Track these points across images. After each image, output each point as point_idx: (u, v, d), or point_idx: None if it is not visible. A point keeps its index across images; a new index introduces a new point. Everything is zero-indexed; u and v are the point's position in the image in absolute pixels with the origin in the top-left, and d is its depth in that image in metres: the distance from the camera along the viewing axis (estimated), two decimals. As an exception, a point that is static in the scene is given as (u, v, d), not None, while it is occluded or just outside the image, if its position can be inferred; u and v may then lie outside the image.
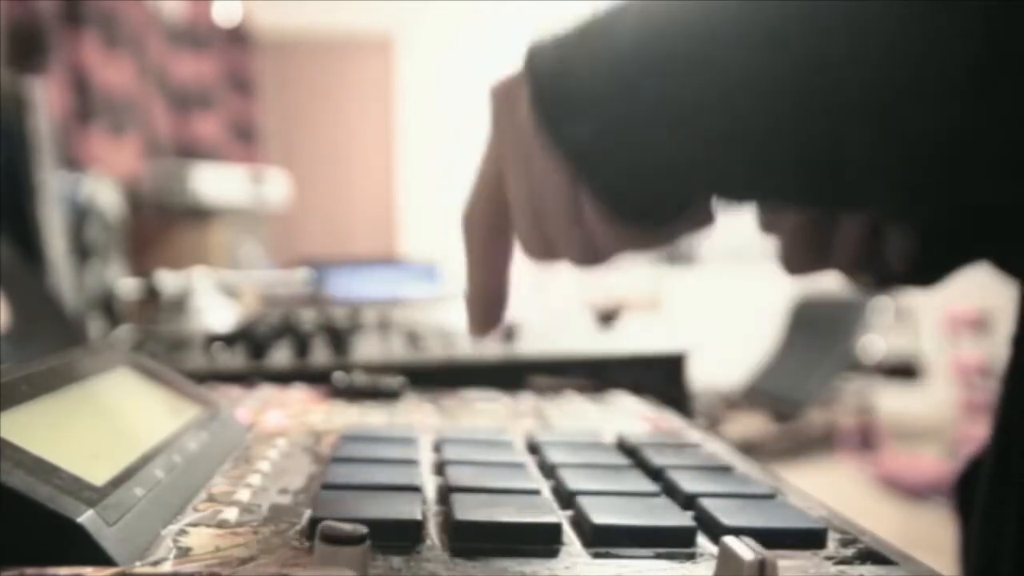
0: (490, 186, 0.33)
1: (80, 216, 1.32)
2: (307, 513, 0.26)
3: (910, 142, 0.23)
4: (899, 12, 0.22)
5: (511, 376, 0.55)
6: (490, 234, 0.34)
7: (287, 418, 0.42)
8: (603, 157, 0.28)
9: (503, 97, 0.31)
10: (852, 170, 0.25)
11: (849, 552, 0.26)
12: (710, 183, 0.28)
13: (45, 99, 1.00)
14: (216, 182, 2.17)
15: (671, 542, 0.26)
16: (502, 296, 0.35)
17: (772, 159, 0.26)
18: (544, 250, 0.32)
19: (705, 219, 0.30)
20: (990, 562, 0.39)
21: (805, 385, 3.52)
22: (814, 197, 0.28)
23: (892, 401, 3.82)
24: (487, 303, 0.35)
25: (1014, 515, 0.37)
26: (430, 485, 0.31)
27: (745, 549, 0.22)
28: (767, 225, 0.38)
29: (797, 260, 0.34)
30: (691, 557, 0.25)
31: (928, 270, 0.34)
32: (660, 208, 0.29)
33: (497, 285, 0.34)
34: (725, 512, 0.28)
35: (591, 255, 0.31)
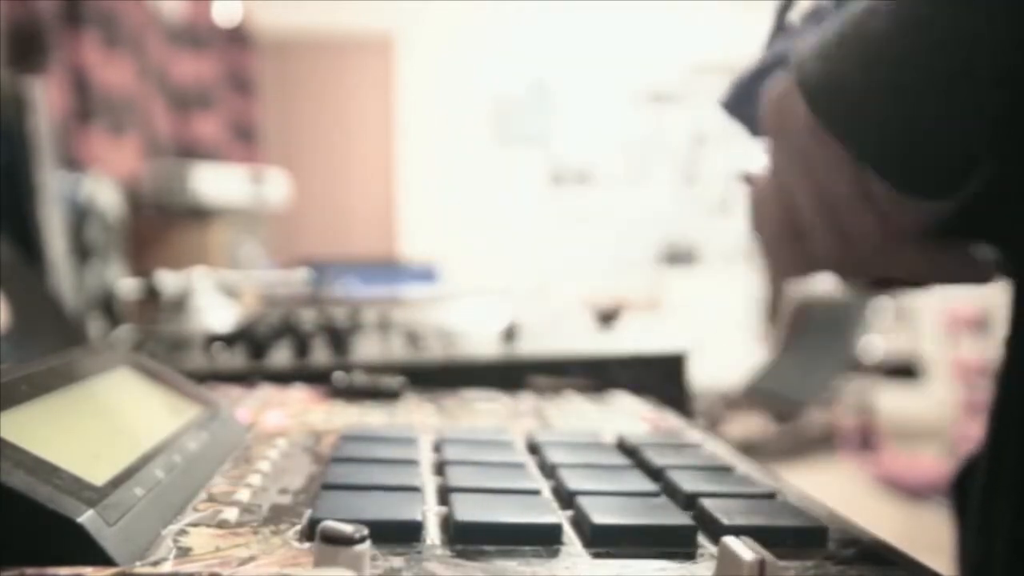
0: (777, 198, 0.36)
1: (80, 216, 1.32)
2: (307, 513, 0.26)
3: None
4: None
5: (511, 376, 0.55)
6: (780, 238, 0.37)
7: (287, 418, 0.42)
8: (878, 135, 0.31)
9: (775, 108, 0.35)
10: None
11: (849, 552, 0.26)
12: (972, 147, 0.31)
13: (45, 99, 1.00)
14: (216, 182, 2.17)
15: (671, 542, 0.26)
16: (791, 277, 0.38)
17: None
18: (839, 249, 0.34)
19: (975, 179, 0.32)
20: (984, 561, 0.39)
21: (805, 385, 3.52)
22: None
23: (892, 401, 3.83)
24: (778, 291, 0.38)
25: (1007, 515, 0.37)
26: (430, 485, 0.31)
27: (745, 549, 0.22)
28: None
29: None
30: (691, 557, 0.25)
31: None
32: (936, 173, 0.32)
33: (787, 278, 0.38)
34: (725, 512, 0.28)
35: (887, 237, 0.33)
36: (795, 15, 0.47)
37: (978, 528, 0.40)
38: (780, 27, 0.47)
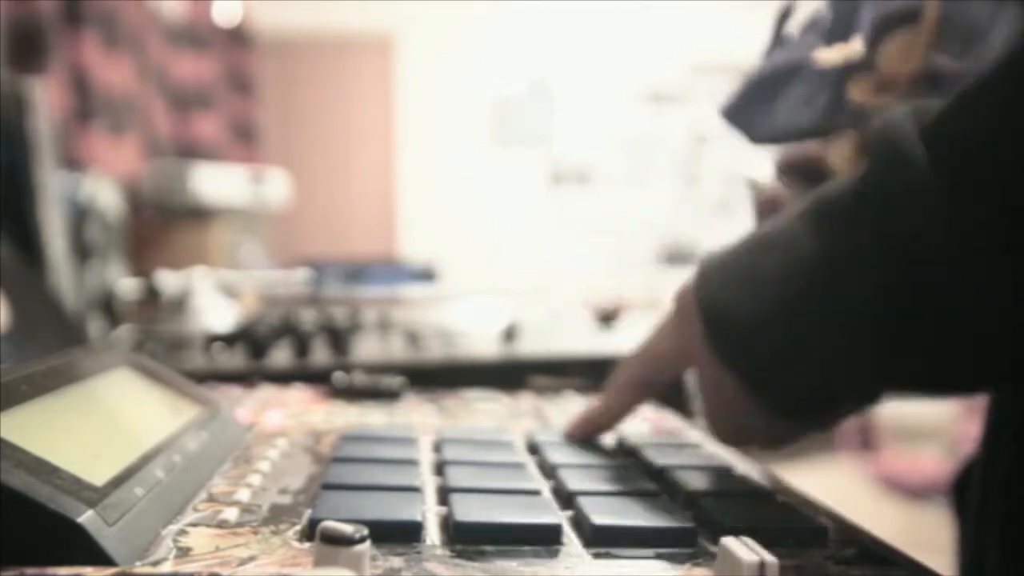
0: (658, 355, 0.39)
1: (80, 216, 1.32)
2: (307, 513, 0.26)
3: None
4: None
5: (511, 376, 0.55)
6: (637, 386, 0.40)
7: (287, 418, 0.42)
8: (763, 372, 0.33)
9: (682, 303, 0.37)
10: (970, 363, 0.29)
11: (849, 552, 0.26)
12: (850, 390, 0.33)
13: (45, 99, 1.00)
14: (216, 182, 2.17)
15: (671, 542, 0.26)
16: (610, 427, 0.40)
17: (910, 367, 0.30)
18: (731, 435, 0.36)
19: (849, 413, 0.34)
20: (981, 562, 0.39)
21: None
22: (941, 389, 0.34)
23: (892, 401, 3.82)
24: (595, 428, 0.40)
25: (1001, 517, 0.37)
26: (430, 485, 0.31)
27: (745, 549, 0.22)
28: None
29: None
30: (691, 557, 0.25)
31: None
32: (812, 409, 0.34)
33: (611, 422, 0.40)
34: (725, 512, 0.28)
35: (771, 440, 0.36)
36: (793, 25, 0.47)
37: (975, 529, 0.40)
38: (779, 37, 0.48)
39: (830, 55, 0.44)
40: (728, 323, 0.33)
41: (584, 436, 0.39)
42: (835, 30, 0.44)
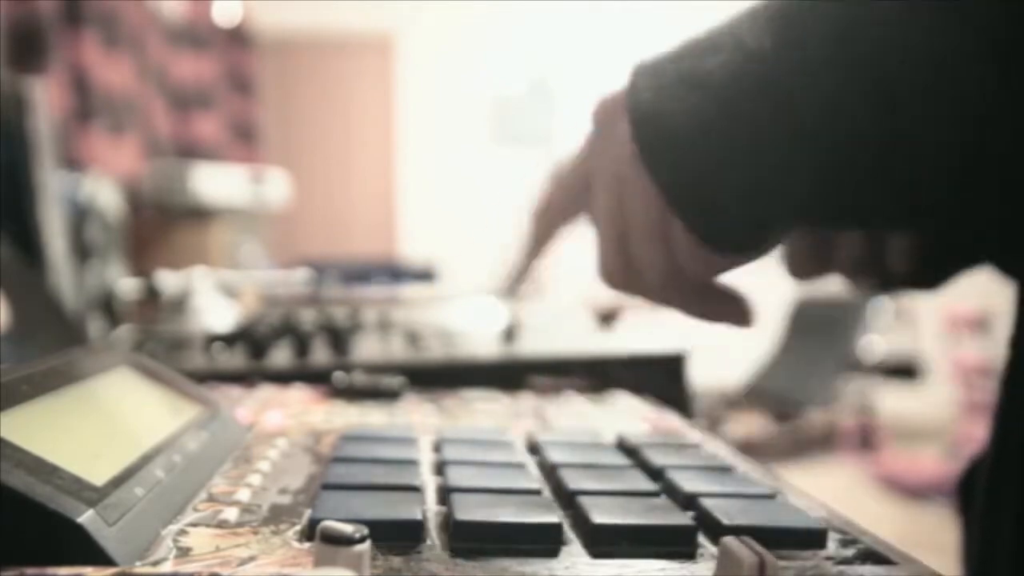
0: (570, 190, 0.35)
1: (80, 216, 1.32)
2: (307, 513, 0.26)
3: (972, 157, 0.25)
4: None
5: (511, 376, 0.55)
6: (553, 231, 0.37)
7: (287, 418, 0.42)
8: (694, 184, 0.29)
9: (604, 115, 0.33)
10: (920, 187, 0.27)
11: (849, 552, 0.26)
12: (789, 210, 0.30)
13: (45, 99, 1.00)
14: (216, 182, 2.17)
15: (671, 542, 0.26)
16: (533, 262, 0.39)
17: (849, 185, 0.27)
18: (622, 271, 0.33)
19: (781, 241, 0.32)
20: (989, 563, 0.39)
21: (805, 385, 3.52)
22: (882, 218, 0.30)
23: (892, 401, 3.82)
24: (523, 264, 0.38)
25: (1011, 516, 0.37)
26: (430, 485, 0.31)
27: (745, 549, 0.22)
28: None
29: (802, 265, 0.35)
30: (691, 557, 0.25)
31: (932, 273, 0.34)
32: (745, 233, 0.31)
33: (534, 254, 0.38)
34: (725, 512, 0.28)
35: (672, 277, 0.32)
36: None
37: (981, 529, 0.40)
38: None
39: None
40: (662, 127, 0.30)
41: (518, 280, 0.38)
42: None
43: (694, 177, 0.29)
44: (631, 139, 0.31)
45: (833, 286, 0.41)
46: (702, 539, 0.26)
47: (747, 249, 0.31)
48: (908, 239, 0.36)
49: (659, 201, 0.31)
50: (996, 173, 0.25)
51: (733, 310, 0.35)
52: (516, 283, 0.39)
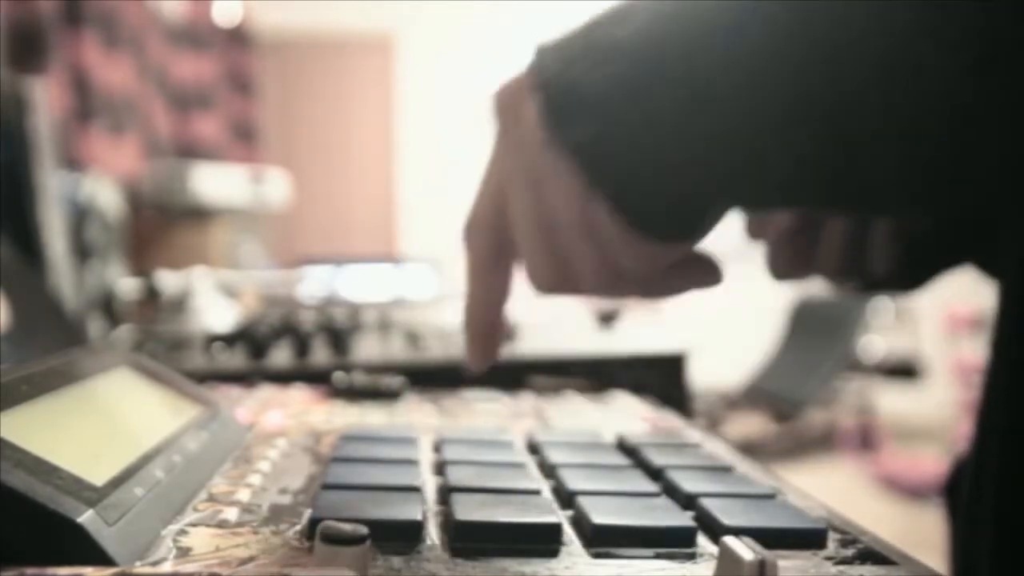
0: (493, 201, 0.31)
1: (80, 216, 1.32)
2: (307, 513, 0.26)
3: (921, 140, 0.24)
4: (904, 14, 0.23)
5: (511, 376, 0.55)
6: (490, 254, 0.32)
7: (287, 418, 0.42)
8: (616, 159, 0.27)
9: (507, 105, 0.30)
10: (856, 168, 0.25)
11: (849, 552, 0.26)
12: (719, 186, 0.27)
13: (45, 99, 1.00)
14: (216, 182, 2.17)
15: (671, 542, 0.26)
16: (498, 325, 0.33)
17: (781, 158, 0.25)
18: (554, 274, 0.30)
19: (714, 224, 0.29)
20: (972, 563, 0.39)
21: (805, 385, 3.52)
22: (820, 197, 0.28)
23: (892, 401, 3.82)
24: (484, 332, 0.33)
25: (989, 517, 0.37)
26: (430, 485, 0.31)
27: (745, 549, 0.22)
28: (754, 231, 0.38)
29: (783, 265, 0.34)
30: (691, 557, 0.25)
31: (913, 274, 0.34)
32: (675, 213, 0.28)
33: (495, 312, 0.32)
34: (725, 512, 0.28)
35: (606, 274, 0.29)
36: None
37: (965, 530, 0.40)
38: None
39: None
40: (575, 97, 0.27)
41: (488, 353, 0.32)
42: None
43: (615, 147, 0.26)
44: (540, 121, 0.28)
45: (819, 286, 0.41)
46: (702, 539, 0.26)
47: (680, 232, 0.28)
48: (889, 240, 0.36)
49: (580, 186, 0.28)
50: (980, 167, 0.24)
51: (695, 274, 0.31)
52: (477, 345, 0.32)
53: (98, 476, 0.24)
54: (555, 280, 0.30)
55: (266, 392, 0.48)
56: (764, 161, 0.25)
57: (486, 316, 0.32)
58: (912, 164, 0.24)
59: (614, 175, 0.27)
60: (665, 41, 0.26)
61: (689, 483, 0.31)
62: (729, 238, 0.36)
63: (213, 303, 1.11)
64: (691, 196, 0.27)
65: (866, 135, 0.24)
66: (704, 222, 0.28)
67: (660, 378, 0.60)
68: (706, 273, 0.31)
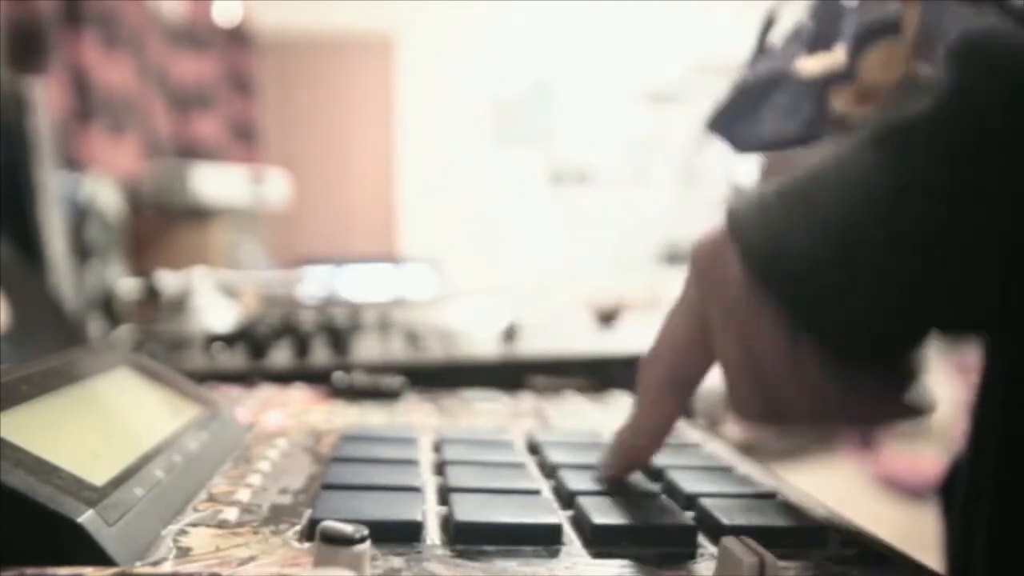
0: (684, 341, 0.33)
1: (80, 216, 1.32)
2: (307, 513, 0.26)
3: None
4: None
5: (511, 376, 0.55)
6: (666, 385, 0.33)
7: (287, 418, 0.42)
8: (824, 311, 0.29)
9: (707, 260, 0.32)
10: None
11: (849, 552, 0.26)
12: (924, 318, 0.29)
13: (45, 99, 1.00)
14: (216, 182, 2.17)
15: (671, 542, 0.26)
16: (649, 454, 0.34)
17: (976, 299, 0.28)
18: (761, 407, 0.32)
19: (918, 348, 0.31)
20: (967, 564, 0.39)
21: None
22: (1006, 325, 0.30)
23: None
24: (635, 456, 0.34)
25: (985, 516, 0.37)
26: (430, 485, 0.31)
27: (745, 549, 0.22)
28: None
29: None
30: (691, 557, 0.25)
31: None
32: (878, 350, 0.30)
33: (651, 441, 0.34)
34: (725, 512, 0.28)
35: (812, 403, 0.31)
36: (777, 35, 0.47)
37: (960, 530, 0.40)
38: (762, 47, 0.48)
39: (813, 65, 0.44)
40: (781, 259, 0.30)
41: (627, 470, 0.33)
42: (818, 40, 0.44)
43: (822, 298, 0.29)
44: (747, 277, 0.30)
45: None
46: (702, 539, 0.26)
47: (886, 360, 0.31)
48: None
49: (787, 335, 0.30)
50: None
51: (891, 405, 0.33)
52: (623, 459, 0.33)
53: (98, 476, 0.24)
54: (762, 412, 0.32)
55: (266, 392, 0.48)
56: (965, 289, 0.28)
57: (641, 441, 0.34)
58: None
59: (821, 320, 0.29)
60: (862, 207, 0.28)
61: (689, 483, 0.31)
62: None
63: (213, 303, 1.11)
64: (895, 333, 0.30)
65: None
66: (909, 351, 0.31)
67: (660, 378, 0.60)
68: (904, 406, 0.33)
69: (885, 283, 0.28)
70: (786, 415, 0.32)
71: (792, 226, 0.30)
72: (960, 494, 0.40)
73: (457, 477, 0.30)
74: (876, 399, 0.32)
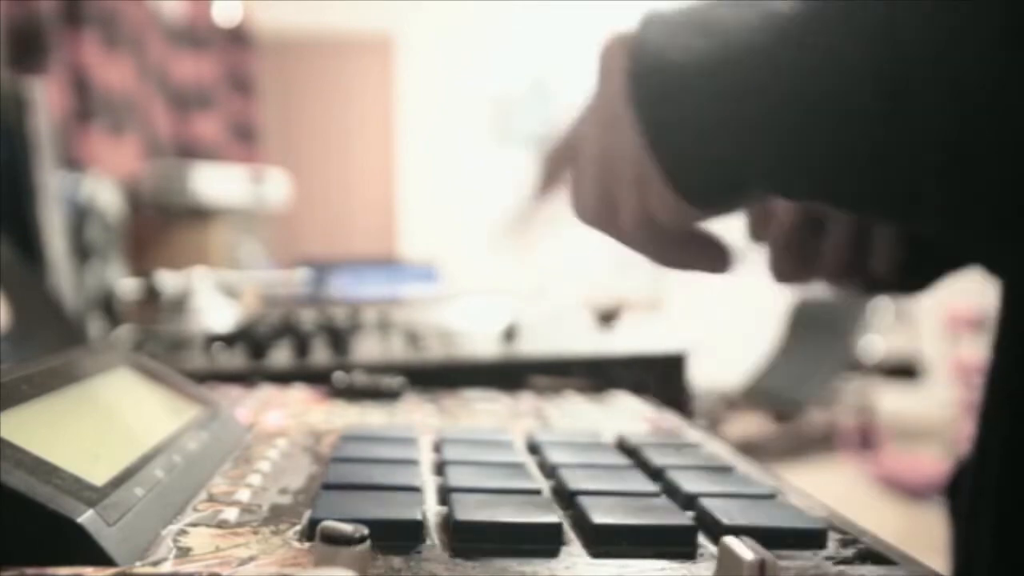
0: (576, 120, 0.35)
1: (80, 216, 1.31)
2: (307, 513, 0.26)
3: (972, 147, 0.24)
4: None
5: (511, 376, 0.55)
6: (561, 171, 0.36)
7: (287, 418, 0.42)
8: (677, 129, 0.29)
9: (607, 57, 0.33)
10: (911, 174, 0.26)
11: (849, 552, 0.26)
12: (761, 171, 0.29)
13: (45, 99, 1.00)
14: (216, 182, 2.17)
15: (671, 542, 0.26)
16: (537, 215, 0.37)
17: (824, 154, 0.27)
18: (596, 207, 0.33)
19: (749, 203, 0.32)
20: (973, 563, 0.39)
21: (805, 385, 3.52)
22: (871, 205, 0.29)
23: (892, 401, 3.82)
24: (528, 218, 0.37)
25: (991, 518, 0.37)
26: (430, 485, 0.31)
27: (745, 549, 0.22)
28: (756, 233, 0.38)
29: (785, 267, 0.35)
30: (691, 557, 0.25)
31: (917, 275, 0.34)
32: (715, 187, 0.31)
33: (541, 206, 0.37)
34: (725, 512, 0.28)
35: (640, 221, 0.32)
36: None
37: (967, 530, 0.40)
38: None
39: None
40: (659, 63, 0.29)
41: (522, 221, 0.37)
42: None
43: (679, 120, 0.29)
44: (623, 78, 0.31)
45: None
46: (702, 539, 0.26)
47: (718, 206, 0.32)
48: (891, 242, 0.36)
49: (641, 144, 0.31)
50: (993, 167, 0.25)
51: (708, 256, 0.35)
52: (522, 224, 0.37)
53: (98, 476, 0.24)
54: (595, 212, 0.33)
55: (266, 392, 0.48)
56: (807, 156, 0.27)
57: (535, 202, 0.37)
58: (951, 177, 0.25)
59: (670, 142, 0.30)
60: (756, 34, 0.28)
61: (689, 483, 0.31)
62: (731, 239, 0.36)
63: (213, 303, 1.11)
64: (733, 176, 0.30)
65: (921, 153, 0.25)
66: (738, 199, 0.31)
67: (660, 378, 0.60)
68: (717, 258, 0.34)
69: (736, 124, 0.28)
70: (614, 224, 0.33)
71: (685, 34, 0.29)
72: (966, 494, 0.40)
73: (457, 477, 0.30)
74: (699, 242, 0.33)
